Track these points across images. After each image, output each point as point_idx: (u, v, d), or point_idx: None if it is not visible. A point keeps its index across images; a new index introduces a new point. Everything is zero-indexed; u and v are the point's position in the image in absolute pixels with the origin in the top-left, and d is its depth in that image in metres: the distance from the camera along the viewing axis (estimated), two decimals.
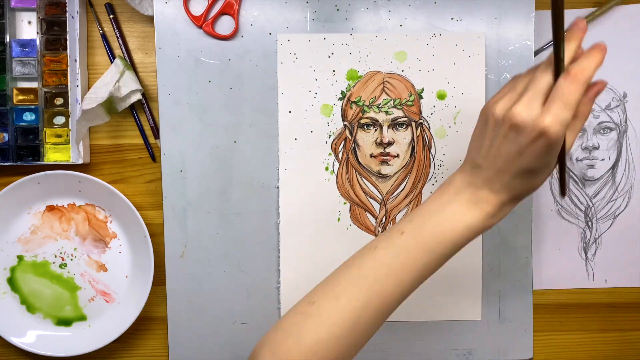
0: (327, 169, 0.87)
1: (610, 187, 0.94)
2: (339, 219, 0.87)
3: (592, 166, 0.93)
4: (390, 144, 0.87)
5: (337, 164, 0.87)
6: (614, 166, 0.93)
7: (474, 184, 0.63)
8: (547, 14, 0.91)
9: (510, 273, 0.89)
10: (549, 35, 0.91)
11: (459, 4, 0.86)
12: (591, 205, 0.94)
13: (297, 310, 0.65)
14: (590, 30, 0.92)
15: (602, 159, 0.93)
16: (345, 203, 0.87)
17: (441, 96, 0.86)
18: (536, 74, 0.60)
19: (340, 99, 0.86)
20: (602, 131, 0.93)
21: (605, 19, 0.92)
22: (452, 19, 0.86)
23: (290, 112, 0.86)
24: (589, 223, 0.94)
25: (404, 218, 0.66)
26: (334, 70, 0.86)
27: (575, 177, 0.93)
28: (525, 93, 0.59)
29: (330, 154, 0.87)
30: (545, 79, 0.59)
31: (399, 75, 0.86)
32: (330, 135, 0.86)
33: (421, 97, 0.86)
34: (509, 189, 0.62)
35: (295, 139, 0.86)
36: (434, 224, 0.64)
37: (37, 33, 0.86)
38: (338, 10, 0.86)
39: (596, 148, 0.93)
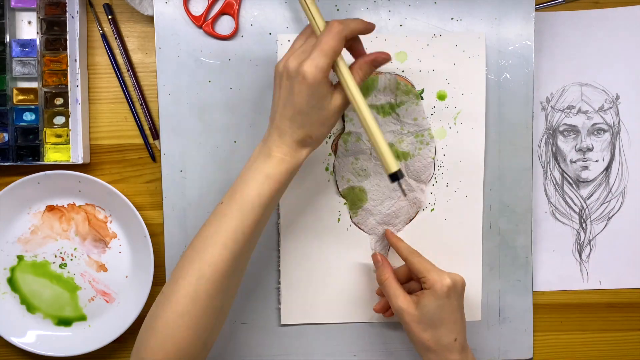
0: (327, 169, 0.87)
1: (604, 189, 0.94)
2: (339, 219, 0.87)
3: (586, 167, 0.93)
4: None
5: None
6: (608, 167, 0.93)
7: (268, 139, 0.73)
8: (548, 15, 0.91)
9: (510, 273, 0.89)
10: (548, 35, 0.91)
11: (459, 4, 0.86)
12: (585, 206, 0.94)
13: (155, 302, 0.73)
14: (584, 33, 0.92)
15: (596, 161, 0.93)
16: (345, 203, 0.87)
17: (441, 97, 0.86)
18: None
19: None
20: (595, 133, 0.93)
21: (598, 21, 0.92)
22: (452, 19, 0.86)
23: None
24: (583, 224, 0.94)
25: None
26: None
27: (569, 179, 0.93)
28: (297, 49, 0.71)
29: (330, 154, 0.86)
30: (312, 39, 0.72)
31: (399, 75, 0.86)
32: (330, 136, 0.86)
33: (421, 98, 0.86)
34: (291, 133, 0.71)
35: None
36: (241, 185, 0.72)
37: (37, 33, 0.86)
38: (338, 10, 0.86)
39: (590, 149, 0.93)
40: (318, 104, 0.70)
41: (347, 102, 0.72)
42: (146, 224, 0.86)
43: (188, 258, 0.71)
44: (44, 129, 0.87)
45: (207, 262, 0.70)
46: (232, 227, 0.71)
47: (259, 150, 0.73)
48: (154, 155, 0.90)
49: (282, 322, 0.89)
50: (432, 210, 0.88)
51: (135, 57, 0.90)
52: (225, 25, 0.86)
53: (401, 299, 0.78)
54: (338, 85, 0.72)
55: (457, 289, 0.78)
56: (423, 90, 0.86)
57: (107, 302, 0.90)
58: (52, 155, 0.87)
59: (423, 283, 0.78)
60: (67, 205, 0.89)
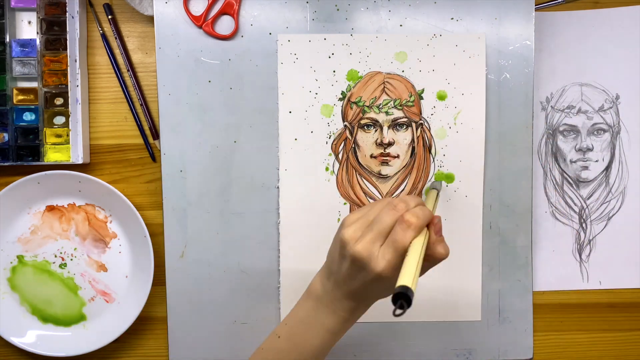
0: (327, 169, 0.87)
1: (604, 189, 0.94)
2: (339, 220, 0.87)
3: (586, 167, 0.93)
4: (390, 144, 0.87)
5: (337, 165, 0.87)
6: (608, 167, 0.93)
7: (330, 292, 0.70)
8: (548, 15, 0.91)
9: (510, 273, 0.89)
10: (549, 35, 0.91)
11: (459, 4, 0.86)
12: (585, 206, 0.94)
13: None
14: (584, 33, 0.92)
15: (596, 160, 0.93)
16: (345, 203, 0.87)
17: (441, 97, 0.86)
18: (382, 212, 0.66)
19: (340, 99, 0.86)
20: (595, 132, 0.93)
21: (599, 21, 0.92)
22: (452, 19, 0.86)
23: (290, 112, 0.86)
24: (583, 224, 0.94)
25: (282, 322, 0.74)
26: (334, 71, 0.86)
27: (569, 179, 0.93)
28: (369, 231, 0.65)
29: (330, 155, 0.87)
30: (387, 219, 0.65)
31: (399, 75, 0.86)
32: (330, 136, 0.86)
33: (421, 98, 0.86)
34: (354, 300, 0.69)
35: (296, 139, 0.86)
36: (303, 329, 0.71)
37: (37, 33, 0.86)
38: (338, 10, 0.86)
39: (590, 149, 0.93)
40: (382, 293, 0.69)
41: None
42: (146, 224, 0.86)
43: None
44: (44, 129, 0.87)
45: None
46: None
47: (319, 299, 0.71)
48: (154, 155, 0.90)
49: None
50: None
51: (135, 57, 0.90)
52: (225, 25, 0.86)
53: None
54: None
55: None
56: (423, 90, 0.86)
57: (107, 302, 0.90)
58: (52, 155, 0.87)
59: None
60: (67, 205, 0.89)
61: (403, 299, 0.57)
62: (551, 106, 0.92)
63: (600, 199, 0.93)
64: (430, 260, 0.67)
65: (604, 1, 0.92)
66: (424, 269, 0.68)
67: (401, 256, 0.63)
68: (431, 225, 0.67)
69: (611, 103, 0.92)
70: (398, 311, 0.57)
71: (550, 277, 0.93)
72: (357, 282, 0.67)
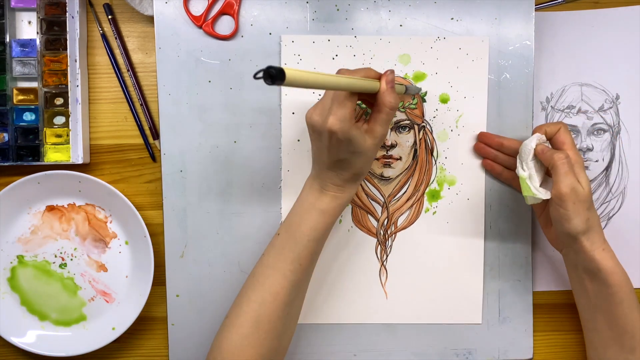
0: None
1: (604, 189, 0.94)
2: (340, 221, 0.87)
3: (586, 167, 0.93)
4: (392, 146, 0.87)
5: None
6: (608, 167, 0.93)
7: (319, 175, 0.76)
8: (548, 15, 0.91)
9: (510, 273, 0.89)
10: (549, 35, 0.91)
11: (459, 4, 0.86)
12: None
13: (220, 327, 0.79)
14: (584, 33, 0.92)
15: (596, 161, 0.93)
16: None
17: (444, 100, 0.86)
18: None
19: None
20: (595, 133, 0.93)
21: (599, 21, 0.92)
22: (452, 19, 0.86)
23: (293, 113, 0.86)
24: None
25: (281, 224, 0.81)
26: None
27: None
28: (320, 103, 0.72)
29: None
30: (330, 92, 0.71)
31: (402, 78, 0.86)
32: None
33: (424, 101, 0.86)
34: (337, 175, 0.75)
35: (298, 140, 0.86)
36: (296, 219, 0.77)
37: (37, 33, 0.86)
38: (338, 10, 0.86)
39: (590, 149, 0.93)
40: (356, 149, 0.71)
41: (382, 134, 0.72)
42: (146, 224, 0.86)
43: (250, 285, 0.77)
44: (44, 129, 0.87)
45: (268, 291, 0.75)
46: (290, 259, 0.76)
47: (311, 185, 0.77)
48: (154, 155, 0.90)
49: None
50: (434, 213, 0.88)
51: (135, 57, 0.90)
52: (225, 25, 0.86)
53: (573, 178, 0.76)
54: (369, 121, 0.72)
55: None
56: (426, 93, 0.86)
57: (107, 302, 0.90)
58: (52, 155, 0.87)
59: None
60: (67, 205, 0.89)
61: (270, 72, 0.54)
62: (551, 106, 0.92)
63: (600, 199, 0.93)
64: (380, 110, 0.71)
65: (604, 1, 0.92)
66: (378, 119, 0.71)
67: (346, 109, 0.68)
68: (383, 76, 0.71)
69: (611, 103, 0.93)
70: (260, 74, 0.55)
71: (550, 277, 0.93)
72: (324, 149, 0.72)
